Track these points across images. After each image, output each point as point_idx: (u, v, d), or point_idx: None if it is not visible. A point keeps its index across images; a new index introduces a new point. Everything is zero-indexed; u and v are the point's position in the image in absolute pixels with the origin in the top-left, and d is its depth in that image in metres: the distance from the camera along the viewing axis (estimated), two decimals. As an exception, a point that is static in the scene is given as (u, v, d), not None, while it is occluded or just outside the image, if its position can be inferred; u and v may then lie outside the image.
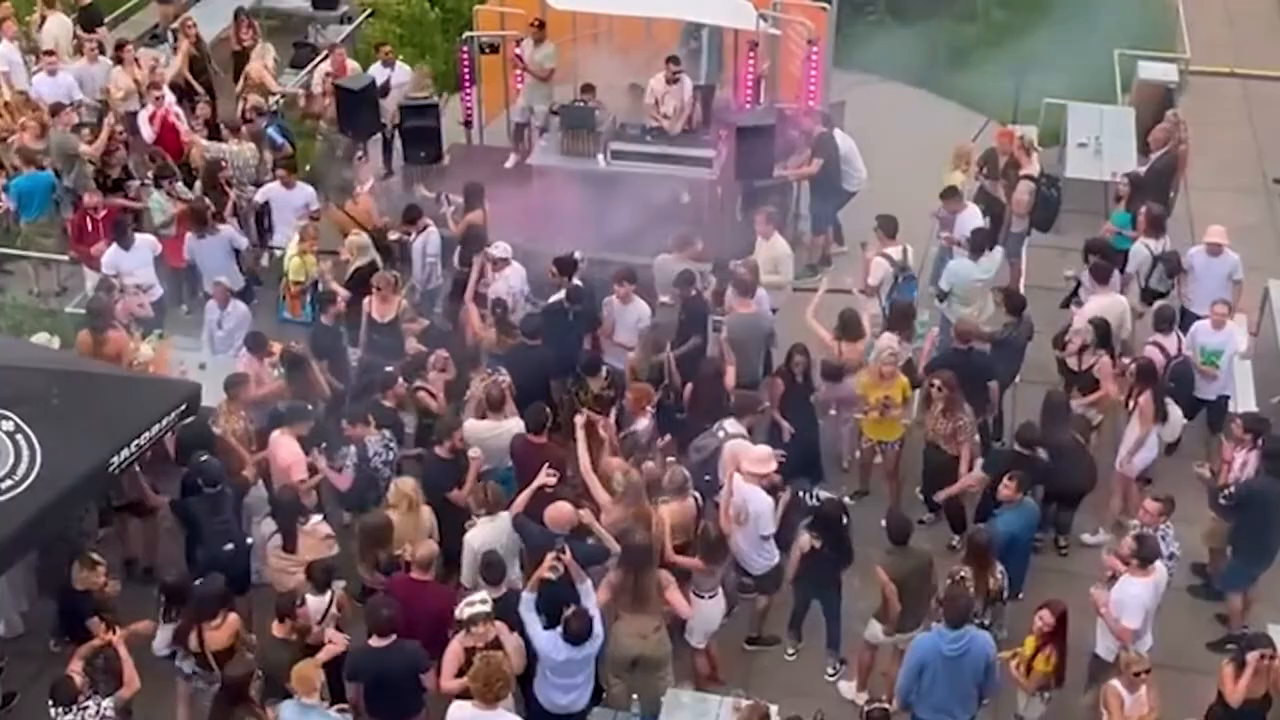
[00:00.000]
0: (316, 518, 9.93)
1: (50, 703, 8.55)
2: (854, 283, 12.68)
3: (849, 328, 11.67)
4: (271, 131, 14.72)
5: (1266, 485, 10.13)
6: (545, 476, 9.72)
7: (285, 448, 10.36)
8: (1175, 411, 11.29)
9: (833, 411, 11.78)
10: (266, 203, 13.82)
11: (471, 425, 10.60)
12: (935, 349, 12.00)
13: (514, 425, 10.54)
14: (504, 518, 9.67)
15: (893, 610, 9.54)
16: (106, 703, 8.66)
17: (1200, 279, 12.46)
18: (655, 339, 11.53)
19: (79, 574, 9.33)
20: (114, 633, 9.07)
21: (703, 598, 9.74)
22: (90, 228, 13.21)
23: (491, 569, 9.10)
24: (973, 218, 13.04)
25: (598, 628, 8.86)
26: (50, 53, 15.68)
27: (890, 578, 9.45)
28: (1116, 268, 12.40)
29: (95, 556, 9.44)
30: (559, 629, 8.77)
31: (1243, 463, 10.41)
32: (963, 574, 9.46)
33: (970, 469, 10.89)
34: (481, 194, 13.22)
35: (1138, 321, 12.51)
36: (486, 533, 9.63)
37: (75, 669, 8.74)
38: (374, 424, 10.52)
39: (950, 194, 13.21)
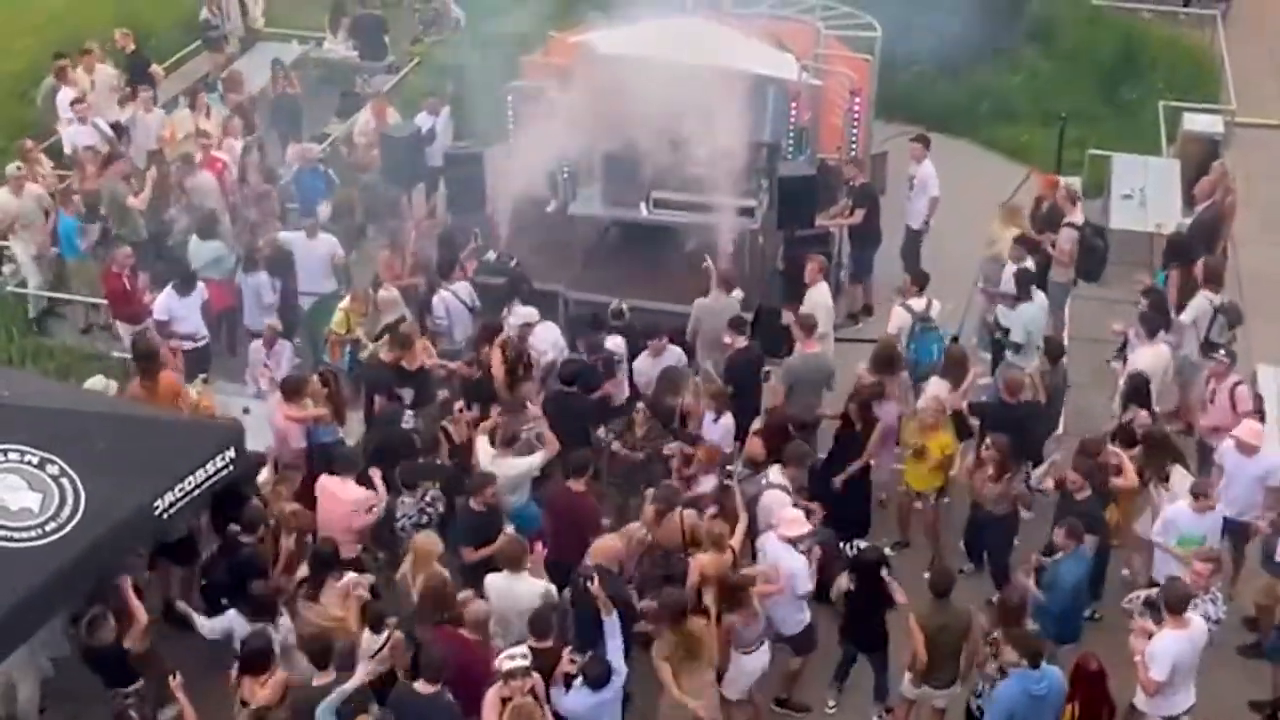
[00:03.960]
0: (352, 575, 9.91)
1: None
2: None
3: (883, 363, 11.64)
4: (312, 176, 14.92)
5: None
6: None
7: (351, 488, 10.46)
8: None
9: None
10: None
11: (483, 447, 10.65)
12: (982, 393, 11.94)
13: (518, 464, 10.55)
14: (526, 581, 9.60)
15: (918, 660, 9.43)
16: None
17: (1231, 479, 10.83)
18: (673, 381, 11.53)
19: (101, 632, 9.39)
20: (174, 678, 9.04)
21: (743, 653, 9.65)
22: (127, 287, 13.24)
23: (539, 623, 9.11)
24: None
25: (618, 663, 8.84)
26: (78, 101, 15.96)
27: (922, 627, 9.37)
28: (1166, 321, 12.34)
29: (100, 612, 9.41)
30: (579, 681, 8.75)
31: None
32: (995, 635, 9.29)
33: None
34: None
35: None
36: (500, 585, 9.58)
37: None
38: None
39: (1020, 242, 13.17)
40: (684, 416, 11.55)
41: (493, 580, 9.62)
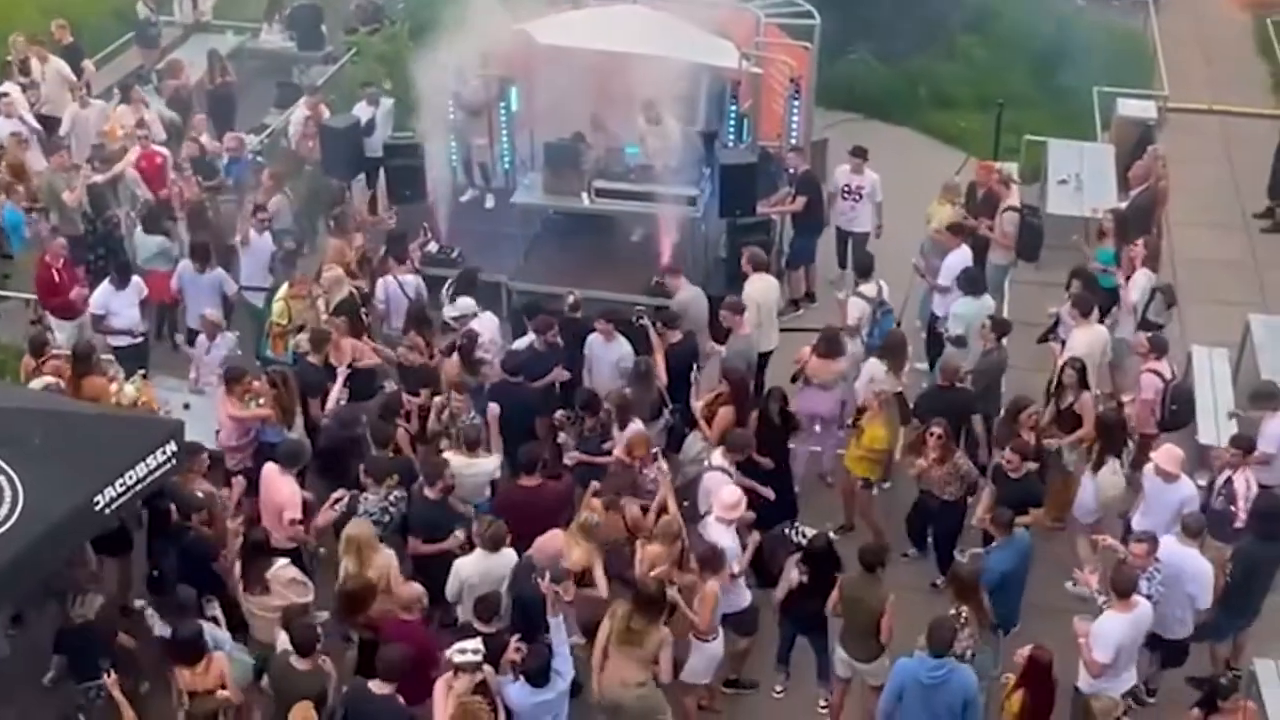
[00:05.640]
0: (282, 561, 9.85)
1: None
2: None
3: (830, 345, 11.78)
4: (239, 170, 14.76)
5: (1254, 547, 10.08)
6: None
7: (288, 485, 10.34)
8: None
9: (817, 428, 11.94)
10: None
11: (450, 459, 10.56)
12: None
13: (487, 464, 10.56)
14: (507, 554, 9.62)
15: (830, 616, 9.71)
16: None
17: (1150, 505, 10.59)
18: (647, 372, 11.54)
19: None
20: (109, 676, 9.00)
21: (703, 641, 9.68)
22: (57, 279, 12.97)
23: (484, 605, 9.10)
24: (964, 257, 13.11)
25: (561, 664, 8.79)
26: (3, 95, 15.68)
27: (840, 589, 9.57)
28: (1099, 301, 12.45)
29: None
30: (520, 676, 8.71)
31: (1245, 483, 10.44)
32: (964, 614, 9.35)
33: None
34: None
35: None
36: (479, 566, 9.58)
37: None
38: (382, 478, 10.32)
39: (956, 229, 13.28)
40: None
41: (465, 561, 9.60)
